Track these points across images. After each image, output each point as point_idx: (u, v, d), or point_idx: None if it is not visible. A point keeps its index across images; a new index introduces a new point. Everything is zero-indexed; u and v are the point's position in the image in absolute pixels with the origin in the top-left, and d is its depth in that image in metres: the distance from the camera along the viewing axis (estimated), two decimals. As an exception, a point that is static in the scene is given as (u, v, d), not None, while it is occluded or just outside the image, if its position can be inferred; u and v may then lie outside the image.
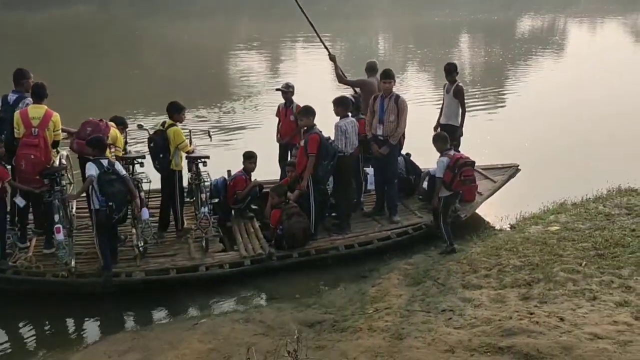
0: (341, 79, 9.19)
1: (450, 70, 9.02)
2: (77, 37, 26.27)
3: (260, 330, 5.91)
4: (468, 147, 8.84)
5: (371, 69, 9.13)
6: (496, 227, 8.60)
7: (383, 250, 7.73)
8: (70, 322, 6.68)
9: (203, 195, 7.48)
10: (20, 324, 6.52)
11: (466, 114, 9.06)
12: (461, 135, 8.88)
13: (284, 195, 7.65)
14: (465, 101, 9.08)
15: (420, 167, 9.11)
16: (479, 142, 11.42)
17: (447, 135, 7.78)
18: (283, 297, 6.85)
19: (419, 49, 26.48)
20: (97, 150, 6.73)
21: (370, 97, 8.33)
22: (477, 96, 16.74)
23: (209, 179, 7.82)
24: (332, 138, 7.78)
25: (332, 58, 9.24)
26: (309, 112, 7.68)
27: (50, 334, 6.49)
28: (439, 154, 7.56)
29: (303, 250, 7.51)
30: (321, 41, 9.66)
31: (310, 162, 7.48)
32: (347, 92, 9.37)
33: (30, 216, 7.44)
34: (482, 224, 8.71)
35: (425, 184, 8.79)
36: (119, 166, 6.81)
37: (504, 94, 17.93)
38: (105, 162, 6.66)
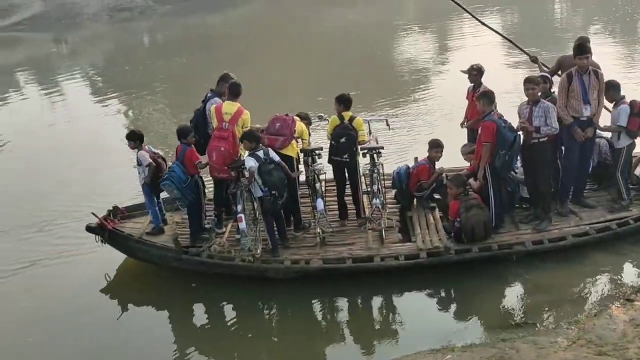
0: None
1: None
2: (254, 35, 26.46)
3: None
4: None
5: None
6: None
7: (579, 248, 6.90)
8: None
9: (375, 187, 7.38)
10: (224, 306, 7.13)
11: None
12: None
13: (462, 185, 7.19)
14: None
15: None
16: None
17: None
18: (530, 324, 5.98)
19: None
20: (253, 143, 7.04)
21: None
22: None
23: (382, 170, 7.66)
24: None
25: (533, 60, 8.77)
26: (487, 96, 7.11)
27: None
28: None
29: (484, 244, 7.02)
30: (516, 46, 9.15)
31: (484, 152, 6.93)
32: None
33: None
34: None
35: (638, 171, 7.62)
36: (272, 154, 7.04)
37: None
38: (261, 153, 6.95)
